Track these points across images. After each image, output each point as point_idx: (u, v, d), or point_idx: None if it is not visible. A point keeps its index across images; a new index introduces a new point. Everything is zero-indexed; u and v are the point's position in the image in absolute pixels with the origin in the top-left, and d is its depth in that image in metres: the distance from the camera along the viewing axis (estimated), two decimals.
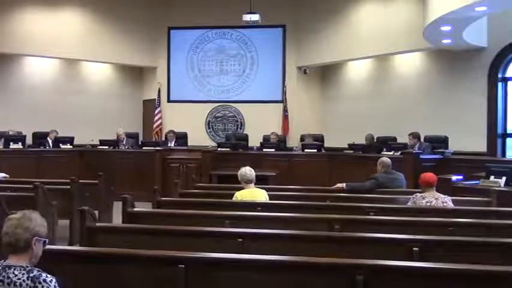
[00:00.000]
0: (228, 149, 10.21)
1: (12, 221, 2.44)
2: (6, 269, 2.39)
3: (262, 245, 3.42)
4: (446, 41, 9.15)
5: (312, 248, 3.38)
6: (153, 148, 10.24)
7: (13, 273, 2.38)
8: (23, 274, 2.37)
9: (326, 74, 13.14)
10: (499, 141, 9.48)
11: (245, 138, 11.54)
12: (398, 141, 9.63)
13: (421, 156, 8.09)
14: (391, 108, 11.18)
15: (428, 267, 2.81)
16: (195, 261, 2.92)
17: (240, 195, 5.23)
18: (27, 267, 2.40)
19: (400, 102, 11.06)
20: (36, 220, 2.49)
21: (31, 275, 2.38)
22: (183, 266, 2.86)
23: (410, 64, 11.06)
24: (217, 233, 3.69)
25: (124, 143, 10.62)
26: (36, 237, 2.46)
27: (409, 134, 8.99)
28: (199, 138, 12.47)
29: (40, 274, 2.39)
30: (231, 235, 3.62)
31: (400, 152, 8.44)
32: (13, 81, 12.15)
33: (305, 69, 12.88)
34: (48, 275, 2.41)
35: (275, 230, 3.70)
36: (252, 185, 5.31)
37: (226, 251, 3.10)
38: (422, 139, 8.98)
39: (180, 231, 3.75)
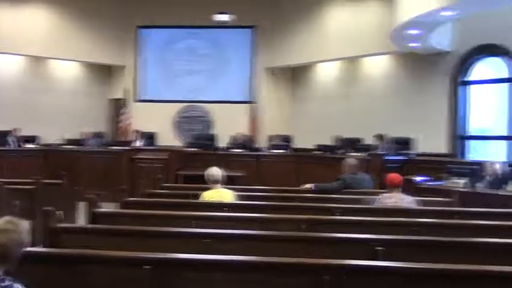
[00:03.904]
0: (195, 149, 10.16)
1: (4, 232, 2.34)
2: None
3: (229, 246, 3.41)
4: (413, 44, 9.33)
5: (279, 249, 3.39)
6: (120, 148, 10.10)
7: None
8: None
9: (296, 75, 13.22)
10: (461, 143, 9.72)
11: (213, 138, 11.48)
12: (365, 142, 9.77)
13: (387, 157, 8.23)
14: (359, 109, 11.33)
15: (393, 266, 2.85)
16: (161, 262, 2.89)
17: (207, 196, 5.20)
18: (1, 276, 2.33)
19: (367, 103, 11.22)
20: (25, 230, 2.41)
21: (3, 284, 2.31)
22: (149, 267, 2.83)
23: (378, 66, 11.24)
24: (184, 234, 3.66)
25: (90, 142, 10.44)
26: (22, 249, 2.40)
27: (374, 136, 9.17)
28: (167, 138, 12.37)
29: (12, 285, 2.32)
30: (198, 236, 3.59)
31: (367, 153, 8.56)
32: None
33: (273, 71, 12.93)
34: (20, 286, 2.34)
35: (242, 231, 3.70)
36: (219, 185, 5.29)
37: (192, 252, 3.08)
38: (389, 140, 9.13)
39: (146, 232, 3.70)
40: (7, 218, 2.43)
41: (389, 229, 3.90)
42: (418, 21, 7.86)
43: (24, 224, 2.45)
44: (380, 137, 9.07)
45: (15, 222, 2.41)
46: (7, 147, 9.93)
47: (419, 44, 9.27)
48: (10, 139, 10.08)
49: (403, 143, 9.18)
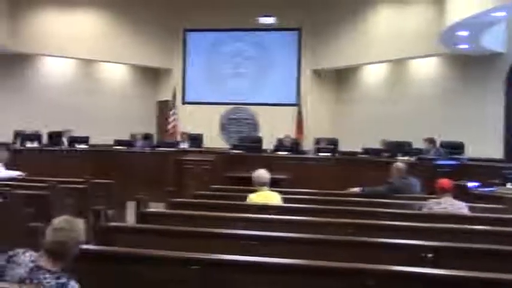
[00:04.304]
0: (242, 152, 10.21)
1: (62, 230, 2.45)
2: (39, 269, 2.40)
3: (274, 248, 3.42)
4: (463, 46, 9.07)
5: (324, 252, 3.36)
6: (167, 149, 10.29)
7: (44, 275, 2.39)
8: (53, 279, 2.39)
9: (341, 77, 13.10)
10: None
11: (259, 140, 11.53)
12: (414, 146, 9.55)
13: (437, 162, 8.02)
14: (406, 112, 11.10)
15: (441, 274, 2.78)
16: (209, 263, 2.93)
17: (253, 198, 5.21)
18: (58, 272, 2.42)
19: (416, 106, 10.98)
20: (81, 229, 2.52)
21: (59, 281, 2.40)
22: (197, 267, 2.87)
23: (426, 69, 10.99)
24: (230, 235, 3.70)
25: (138, 143, 10.68)
26: (78, 247, 2.49)
27: (425, 139, 8.91)
28: (214, 140, 12.50)
29: (68, 282, 2.41)
30: (244, 237, 3.62)
31: (415, 157, 8.37)
32: (30, 81, 12.34)
33: (320, 73, 12.86)
34: (76, 284, 2.43)
35: (288, 234, 3.70)
36: (266, 188, 5.29)
37: (238, 254, 3.10)
38: (438, 144, 8.90)
39: (193, 233, 3.75)
40: (64, 217, 2.53)
41: (439, 235, 3.80)
42: (469, 22, 7.64)
43: (80, 223, 2.54)
44: (431, 140, 8.81)
45: (72, 221, 2.50)
46: (60, 148, 10.27)
47: (469, 46, 9.00)
48: (63, 140, 10.44)
49: (455, 147, 8.93)
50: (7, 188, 5.16)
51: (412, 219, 4.63)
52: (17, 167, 7.43)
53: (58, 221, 2.49)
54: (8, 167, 7.20)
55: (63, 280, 2.41)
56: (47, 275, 2.39)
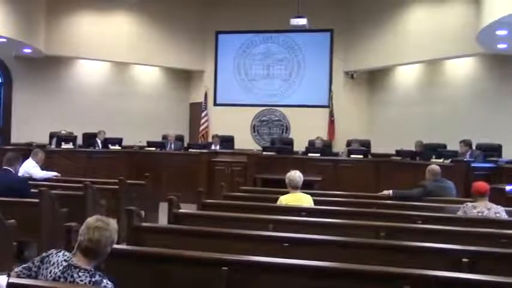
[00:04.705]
0: (273, 153, 10.20)
1: (97, 229, 2.49)
2: (72, 268, 2.45)
3: (305, 251, 3.39)
4: (502, 46, 8.83)
5: (357, 256, 3.32)
6: (199, 151, 10.37)
7: (77, 274, 2.43)
8: (86, 277, 2.43)
9: (374, 79, 12.95)
10: None
11: (290, 142, 11.51)
12: (449, 148, 9.34)
13: (473, 165, 7.82)
14: (441, 114, 10.88)
15: (478, 279, 2.71)
16: (239, 264, 2.92)
17: (284, 200, 5.20)
18: (91, 271, 2.46)
19: (451, 108, 10.75)
20: (115, 228, 2.56)
21: (93, 279, 2.44)
22: (227, 268, 2.87)
23: (462, 69, 10.74)
24: (261, 237, 3.69)
25: (171, 145, 10.78)
26: (111, 246, 2.54)
27: (461, 142, 8.67)
28: (245, 141, 12.52)
29: (101, 280, 2.45)
30: (274, 239, 3.60)
31: (450, 160, 8.19)
32: (66, 83, 12.63)
33: (352, 74, 12.74)
34: (109, 282, 2.46)
35: (319, 236, 3.67)
36: (298, 190, 5.26)
37: (269, 255, 3.09)
38: (474, 147, 8.68)
39: (224, 234, 3.76)
40: (97, 216, 2.57)
41: (475, 240, 3.70)
42: (508, 20, 7.42)
43: (114, 223, 2.58)
44: (467, 143, 8.58)
45: (106, 221, 2.54)
46: (95, 149, 10.46)
47: (508, 45, 8.75)
48: (97, 141, 10.64)
49: (491, 150, 8.69)
50: (43, 188, 5.27)
51: (447, 223, 4.53)
52: (52, 168, 7.62)
53: (93, 220, 2.53)
54: (44, 167, 7.38)
55: (96, 278, 2.44)
56: (81, 273, 2.43)
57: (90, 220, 2.53)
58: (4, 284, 2.35)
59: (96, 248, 2.48)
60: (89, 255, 2.48)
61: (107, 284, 2.45)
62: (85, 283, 2.41)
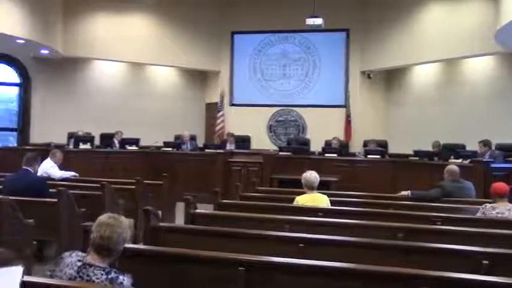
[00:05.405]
0: (290, 153, 10.18)
1: (108, 226, 2.51)
2: (87, 266, 2.46)
3: (321, 251, 3.37)
4: None
5: (374, 256, 3.29)
6: (215, 151, 10.39)
7: (93, 272, 2.45)
8: (102, 274, 2.44)
9: (390, 78, 12.85)
10: None
11: (307, 142, 11.48)
12: (467, 148, 9.23)
13: (492, 165, 7.71)
14: (459, 114, 10.76)
15: (499, 282, 2.66)
16: (255, 264, 2.92)
17: (301, 200, 5.19)
18: (106, 268, 2.48)
19: (469, 107, 10.62)
20: (127, 226, 2.58)
21: (109, 276, 2.45)
22: (244, 268, 2.87)
23: (480, 68, 10.60)
24: (277, 237, 3.68)
25: (187, 145, 10.82)
26: (124, 243, 2.56)
27: (480, 142, 8.55)
28: (261, 141, 12.52)
29: (118, 276, 2.46)
30: (291, 240, 3.59)
31: (469, 160, 8.09)
32: (83, 84, 12.78)
33: (369, 74, 12.66)
34: (125, 278, 2.48)
35: (336, 237, 3.65)
36: (315, 190, 5.25)
37: (285, 256, 3.08)
38: (493, 147, 8.56)
39: (240, 234, 3.76)
40: (109, 214, 2.59)
41: (494, 241, 3.65)
42: None
43: (125, 220, 2.59)
44: (487, 143, 8.46)
45: (118, 218, 2.56)
46: (112, 149, 10.55)
47: None
48: (114, 141, 10.73)
49: (511, 150, 8.55)
50: (62, 188, 5.33)
51: (466, 224, 4.47)
52: (70, 168, 7.69)
53: (104, 217, 2.56)
54: (62, 168, 7.46)
55: (113, 275, 2.45)
56: (96, 271, 2.45)
57: (102, 217, 2.55)
58: (19, 274, 2.38)
59: (108, 245, 2.49)
60: (102, 252, 2.49)
61: (124, 279, 2.46)
62: (102, 280, 2.42)
